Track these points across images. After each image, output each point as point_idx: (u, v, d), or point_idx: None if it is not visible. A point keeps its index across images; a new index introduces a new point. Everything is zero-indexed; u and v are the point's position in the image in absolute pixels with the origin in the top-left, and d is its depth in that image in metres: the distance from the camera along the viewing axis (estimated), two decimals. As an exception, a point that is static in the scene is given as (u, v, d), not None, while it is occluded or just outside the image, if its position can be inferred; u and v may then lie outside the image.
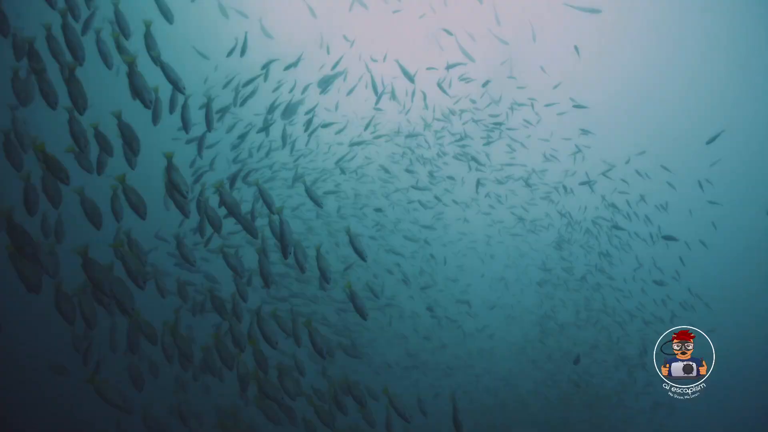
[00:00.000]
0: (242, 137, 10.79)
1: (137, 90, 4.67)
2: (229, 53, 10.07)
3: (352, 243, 5.45)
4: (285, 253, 4.78)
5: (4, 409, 9.25)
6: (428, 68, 12.11)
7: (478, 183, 14.28)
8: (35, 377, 9.95)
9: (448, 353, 19.02)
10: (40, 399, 10.24)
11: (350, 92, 12.03)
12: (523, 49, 14.09)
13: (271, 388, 5.13)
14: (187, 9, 13.35)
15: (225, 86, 10.30)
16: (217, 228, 5.13)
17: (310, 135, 10.95)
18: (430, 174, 15.48)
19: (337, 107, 13.54)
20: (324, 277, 5.12)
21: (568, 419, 18.43)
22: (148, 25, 5.16)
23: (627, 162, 14.73)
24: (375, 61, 12.23)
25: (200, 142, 6.92)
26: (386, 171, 14.85)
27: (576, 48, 12.06)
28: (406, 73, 10.56)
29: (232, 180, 8.56)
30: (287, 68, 10.33)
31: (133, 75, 4.65)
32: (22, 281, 4.38)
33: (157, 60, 5.08)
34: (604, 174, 14.65)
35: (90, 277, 4.28)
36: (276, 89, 10.60)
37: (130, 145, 4.85)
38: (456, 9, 14.08)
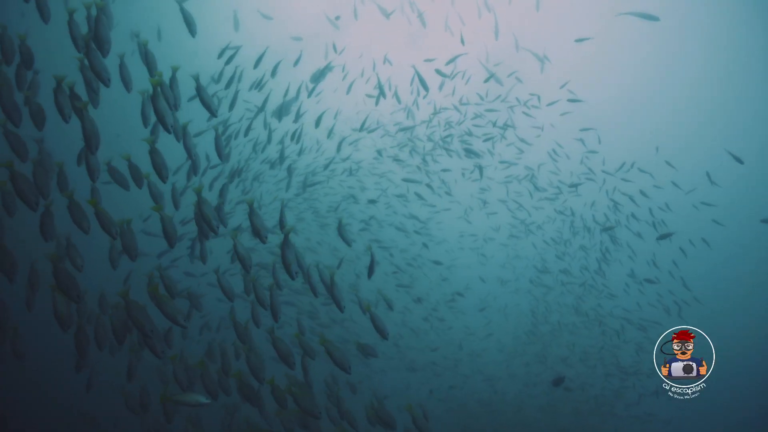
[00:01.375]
0: (227, 134, 10.69)
1: (160, 114, 4.79)
2: (220, 55, 10.02)
3: (371, 266, 5.51)
4: (290, 274, 4.80)
5: (3, 408, 9.28)
6: (425, 60, 12.06)
7: (481, 170, 14.08)
8: (35, 377, 10.00)
9: (439, 354, 18.95)
10: (40, 399, 10.29)
11: (349, 90, 12.02)
12: (528, 46, 14.00)
13: (309, 405, 5.15)
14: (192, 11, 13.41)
15: (218, 81, 10.30)
16: (248, 268, 5.22)
17: (299, 137, 10.96)
18: (424, 161, 15.43)
19: (336, 114, 13.52)
20: (338, 306, 5.19)
21: (560, 425, 18.33)
22: (175, 70, 5.27)
23: (631, 167, 14.60)
24: (391, 64, 12.21)
25: (193, 163, 6.67)
26: (379, 154, 14.84)
27: (584, 39, 11.87)
28: (422, 81, 10.58)
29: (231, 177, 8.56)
30: (273, 73, 10.26)
31: (156, 100, 4.75)
32: (56, 320, 4.73)
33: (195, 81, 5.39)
34: (605, 172, 14.63)
35: (131, 318, 4.49)
36: (261, 86, 10.55)
37: (160, 173, 5.01)
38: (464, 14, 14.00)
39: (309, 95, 11.41)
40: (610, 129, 16.49)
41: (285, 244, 4.81)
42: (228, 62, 9.73)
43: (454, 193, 17.37)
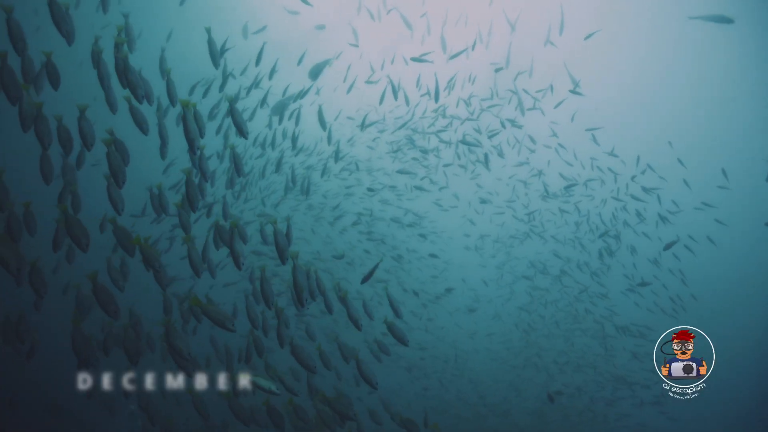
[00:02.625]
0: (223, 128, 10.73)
1: (191, 136, 5.04)
2: (220, 54, 10.02)
3: (370, 274, 5.64)
4: (301, 301, 4.85)
5: (4, 409, 9.37)
6: (423, 54, 12.09)
7: (488, 160, 13.98)
8: (35, 377, 10.08)
9: (428, 353, 18.94)
10: (41, 400, 10.38)
11: (350, 90, 12.08)
12: (533, 43, 14.00)
13: (344, 408, 5.36)
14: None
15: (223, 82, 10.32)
16: (270, 303, 5.39)
17: (296, 138, 11.03)
18: (423, 153, 15.45)
19: (338, 116, 13.53)
20: (356, 326, 5.39)
21: (549, 430, 18.34)
22: (191, 105, 5.42)
23: (645, 171, 14.59)
24: (407, 64, 12.25)
25: (203, 179, 6.82)
26: (378, 137, 14.88)
27: (593, 34, 11.84)
28: (437, 93, 10.70)
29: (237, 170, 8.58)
30: (271, 75, 10.29)
31: (187, 122, 4.99)
32: (74, 352, 5.17)
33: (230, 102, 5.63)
34: (611, 170, 14.67)
35: (171, 345, 4.82)
36: (258, 84, 10.60)
37: (192, 204, 5.29)
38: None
39: (304, 94, 11.47)
40: (616, 128, 16.49)
41: (295, 270, 4.82)
42: (216, 65, 9.75)
43: (456, 190, 17.43)
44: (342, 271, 16.17)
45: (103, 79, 4.89)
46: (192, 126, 4.97)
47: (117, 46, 4.83)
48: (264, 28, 10.01)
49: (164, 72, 5.63)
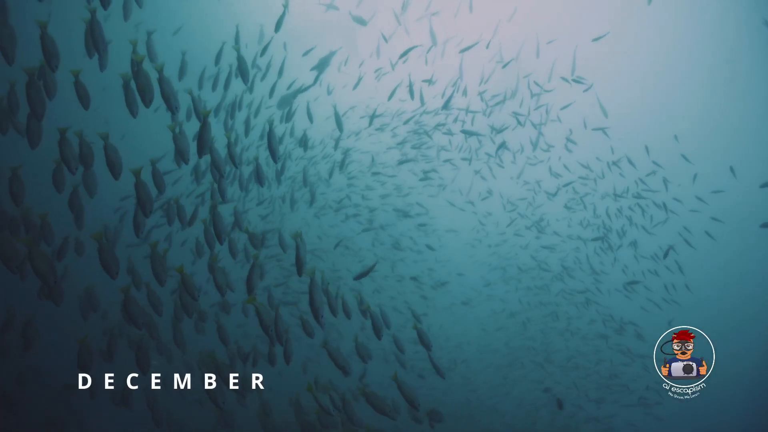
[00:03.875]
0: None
1: (201, 144, 5.16)
2: (217, 58, 10.00)
3: (366, 273, 5.74)
4: (318, 318, 4.90)
5: (5, 410, 9.46)
6: (427, 51, 12.12)
7: (501, 147, 13.91)
8: (36, 378, 10.16)
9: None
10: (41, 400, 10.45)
11: (356, 86, 12.14)
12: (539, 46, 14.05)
13: (382, 405, 5.44)
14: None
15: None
16: (283, 342, 5.46)
17: (305, 133, 11.08)
18: (428, 136, 15.52)
19: (344, 114, 13.51)
20: (377, 335, 5.59)
21: (537, 429, 18.47)
22: (228, 137, 5.65)
23: (655, 172, 14.68)
24: (426, 63, 12.27)
25: (220, 187, 6.50)
26: (374, 133, 14.95)
27: (601, 37, 11.92)
28: (447, 101, 10.80)
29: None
30: (280, 73, 10.29)
31: (205, 131, 5.10)
32: (79, 366, 5.30)
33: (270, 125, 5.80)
34: (615, 164, 14.78)
35: (220, 375, 5.25)
36: (263, 77, 10.61)
37: (219, 237, 5.60)
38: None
39: (307, 88, 11.51)
40: (624, 127, 16.51)
41: (312, 287, 4.85)
42: (217, 61, 9.75)
43: (461, 185, 17.50)
44: (340, 258, 16.29)
45: (131, 105, 4.98)
46: (207, 134, 5.08)
47: (136, 63, 4.85)
48: (284, 14, 9.83)
49: (183, 82, 5.69)
